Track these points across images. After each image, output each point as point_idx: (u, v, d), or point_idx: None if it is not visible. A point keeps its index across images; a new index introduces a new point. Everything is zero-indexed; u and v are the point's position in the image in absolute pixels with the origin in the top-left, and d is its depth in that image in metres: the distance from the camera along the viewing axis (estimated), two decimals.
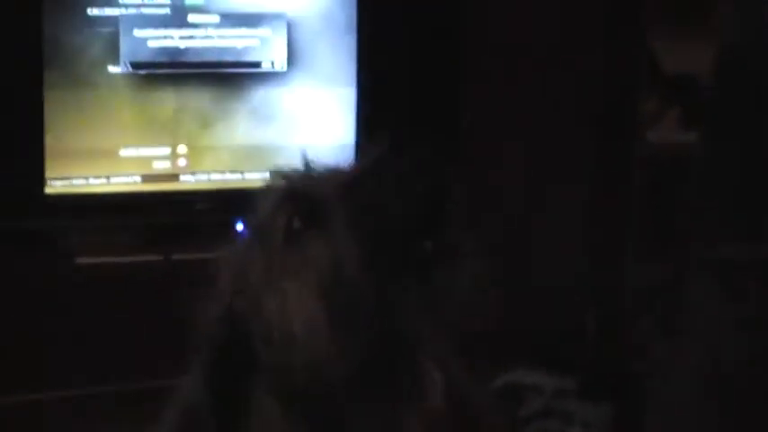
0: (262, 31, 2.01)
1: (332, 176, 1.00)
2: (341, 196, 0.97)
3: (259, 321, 1.01)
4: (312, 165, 1.04)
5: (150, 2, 1.98)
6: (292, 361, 1.00)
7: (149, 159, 2.01)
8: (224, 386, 1.04)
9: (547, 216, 2.09)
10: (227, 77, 2.01)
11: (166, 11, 1.98)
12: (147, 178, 2.00)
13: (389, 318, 0.96)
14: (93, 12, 1.94)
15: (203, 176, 2.01)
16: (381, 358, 0.99)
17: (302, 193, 1.02)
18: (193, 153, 2.01)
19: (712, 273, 1.54)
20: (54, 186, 1.97)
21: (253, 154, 2.01)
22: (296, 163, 1.07)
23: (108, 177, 1.99)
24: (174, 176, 2.02)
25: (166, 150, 2.00)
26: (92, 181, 1.99)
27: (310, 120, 2.06)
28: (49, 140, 1.95)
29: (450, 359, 1.06)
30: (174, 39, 1.98)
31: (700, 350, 1.55)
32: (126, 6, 1.96)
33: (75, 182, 1.98)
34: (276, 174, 1.04)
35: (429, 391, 1.02)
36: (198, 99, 2.01)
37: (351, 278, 0.95)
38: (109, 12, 1.94)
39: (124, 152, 1.99)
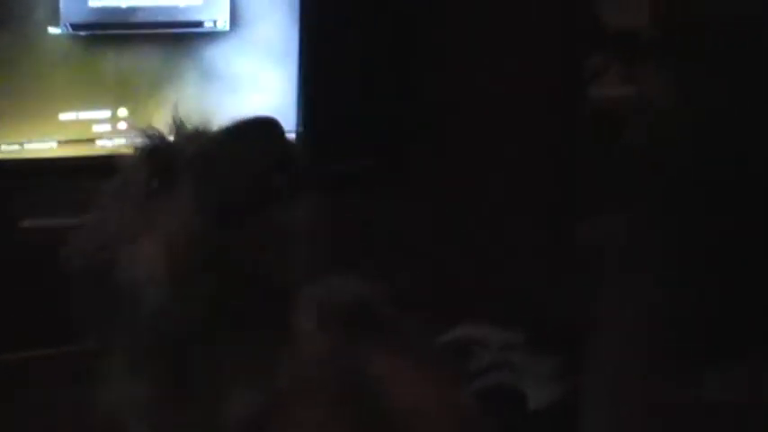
0: None
1: (192, 139, 1.11)
2: (193, 157, 1.07)
3: (115, 273, 1.10)
4: (180, 126, 1.15)
5: None
6: (143, 309, 1.08)
7: (89, 123, 2.00)
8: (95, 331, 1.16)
9: (494, 172, 2.12)
10: (170, 38, 1.99)
11: None
12: (88, 141, 2.00)
13: (235, 264, 1.05)
14: None
15: None
16: (240, 304, 1.07)
17: (161, 154, 1.12)
18: (135, 116, 2.00)
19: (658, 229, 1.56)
20: None
21: (197, 114, 2.02)
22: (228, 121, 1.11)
23: (47, 141, 1.99)
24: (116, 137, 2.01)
25: (107, 113, 1.99)
26: (31, 145, 1.98)
27: (252, 80, 2.06)
28: None
29: (329, 311, 1.17)
30: None
31: (641, 306, 1.58)
32: None
33: (11, 147, 1.97)
34: (142, 134, 1.16)
35: (298, 340, 1.12)
36: (140, 60, 1.99)
37: (193, 231, 1.05)
38: None
39: (63, 116, 1.98)
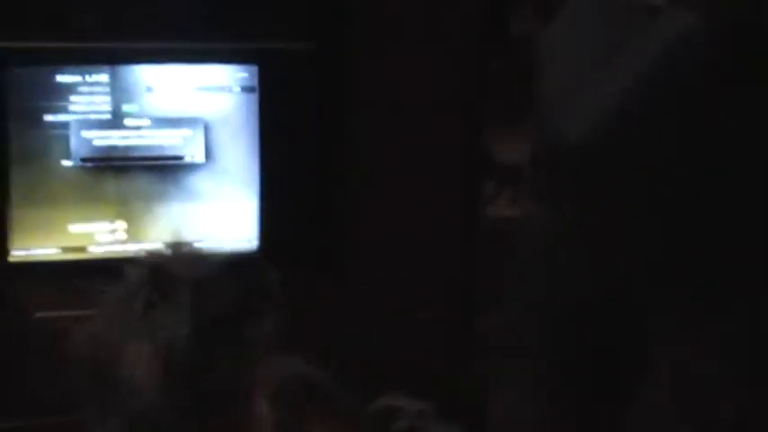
0: (184, 131, 2.48)
1: (190, 264, 1.33)
2: (191, 281, 1.27)
3: (114, 375, 1.27)
4: (177, 250, 1.40)
5: (94, 109, 2.45)
6: (134, 407, 1.26)
7: (93, 233, 2.50)
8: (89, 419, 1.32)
9: (409, 271, 2.64)
10: (158, 168, 2.49)
11: (107, 116, 2.44)
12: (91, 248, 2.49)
13: (213, 371, 1.25)
14: (48, 118, 2.41)
15: (139, 246, 2.50)
16: (212, 403, 1.27)
17: (164, 274, 1.30)
18: (130, 227, 2.50)
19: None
20: (15, 256, 2.45)
21: (179, 227, 2.51)
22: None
23: (59, 248, 2.48)
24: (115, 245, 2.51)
25: (108, 226, 2.50)
26: (45, 251, 2.47)
27: (223, 200, 2.57)
28: (12, 218, 2.43)
29: (284, 399, 1.40)
30: (114, 138, 2.46)
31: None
32: (75, 113, 2.44)
33: (32, 251, 2.47)
34: (148, 253, 1.38)
35: (255, 421, 1.33)
36: (135, 185, 2.48)
37: (183, 343, 1.23)
38: (61, 118, 2.42)
39: (72, 228, 2.48)
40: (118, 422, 1.33)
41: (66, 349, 1.38)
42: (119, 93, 2.44)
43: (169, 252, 1.42)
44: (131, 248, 2.45)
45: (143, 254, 1.43)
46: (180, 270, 1.34)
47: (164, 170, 2.51)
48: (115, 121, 2.45)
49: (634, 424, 1.76)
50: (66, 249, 2.46)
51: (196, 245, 1.50)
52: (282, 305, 1.31)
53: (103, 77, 2.43)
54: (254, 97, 2.53)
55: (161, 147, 2.50)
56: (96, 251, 2.49)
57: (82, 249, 2.48)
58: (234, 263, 1.38)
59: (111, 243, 2.48)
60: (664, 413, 1.73)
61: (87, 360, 1.36)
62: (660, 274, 1.68)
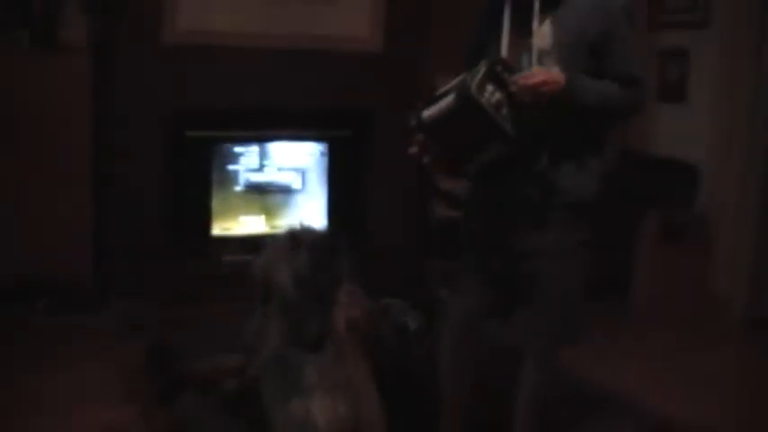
0: (292, 173, 5.01)
1: (307, 234, 2.74)
2: (308, 241, 2.71)
3: (272, 280, 2.72)
4: (302, 228, 2.79)
5: (251, 163, 5.05)
6: (284, 295, 2.70)
7: (249, 222, 5.05)
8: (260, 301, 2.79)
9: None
10: (280, 191, 5.02)
11: (257, 166, 5.02)
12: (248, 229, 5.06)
13: (320, 280, 2.66)
14: (230, 167, 5.00)
15: (272, 228, 5.05)
16: (319, 293, 2.67)
17: (295, 236, 2.75)
18: (267, 219, 5.06)
19: None
20: (214, 234, 4.96)
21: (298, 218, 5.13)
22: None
23: (234, 228, 5.03)
24: (259, 228, 5.07)
25: (256, 218, 5.09)
26: (227, 231, 4.99)
27: (310, 207, 5.12)
28: (212, 214, 4.97)
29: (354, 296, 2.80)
30: (259, 177, 5.03)
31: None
32: (242, 164, 5.02)
33: (222, 232, 5.00)
34: (288, 228, 2.82)
35: (345, 304, 2.77)
36: (269, 199, 5.01)
37: (305, 268, 2.67)
38: (236, 167, 4.98)
39: (241, 218, 5.02)
40: (274, 307, 2.70)
41: (249, 268, 2.79)
42: (262, 156, 5.03)
43: (298, 227, 2.77)
44: (267, 230, 5.05)
45: (284, 229, 2.82)
46: (303, 235, 2.72)
47: (282, 193, 5.09)
48: (261, 169, 5.01)
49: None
50: (235, 229, 5.02)
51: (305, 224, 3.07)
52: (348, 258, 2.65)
53: (255, 148, 5.01)
54: (326, 158, 5.14)
55: (281, 181, 5.08)
56: (250, 231, 5.02)
57: (243, 229, 5.03)
58: (327, 234, 2.72)
59: (258, 225, 5.05)
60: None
61: (260, 274, 2.77)
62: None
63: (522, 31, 2.71)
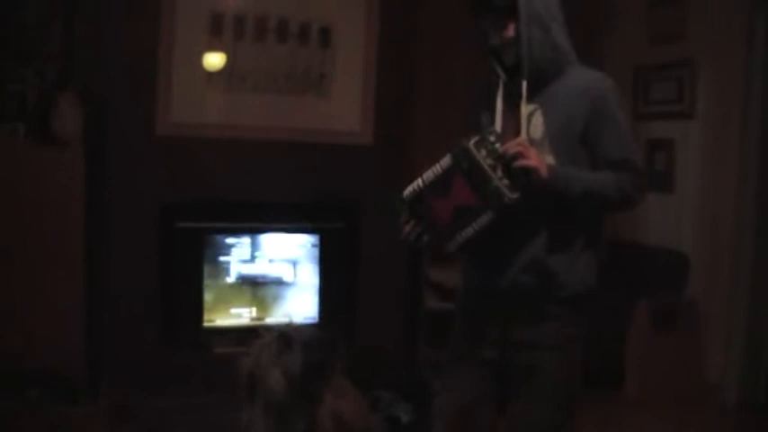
0: (284, 265, 5.02)
1: (300, 333, 2.37)
2: (301, 340, 2.35)
3: (261, 381, 2.36)
4: (294, 327, 2.44)
5: (243, 255, 5.05)
6: (272, 395, 2.35)
7: (240, 313, 5.01)
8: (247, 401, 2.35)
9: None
10: (271, 284, 5.02)
11: (248, 257, 5.03)
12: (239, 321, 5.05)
13: (311, 383, 2.30)
14: (221, 258, 5.02)
15: (263, 321, 5.00)
16: (308, 391, 2.31)
17: (286, 336, 2.37)
18: (258, 311, 5.04)
19: None
20: (205, 325, 4.92)
21: (288, 314, 5.13)
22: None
23: (224, 321, 5.00)
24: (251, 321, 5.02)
25: (248, 309, 5.04)
26: (219, 322, 4.98)
27: (300, 299, 5.12)
28: (204, 306, 4.96)
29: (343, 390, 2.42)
30: (251, 268, 5.06)
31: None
32: (234, 256, 5.07)
33: (214, 323, 4.98)
34: (279, 327, 2.40)
35: (332, 399, 2.39)
36: (261, 291, 5.03)
37: (296, 370, 2.32)
38: (227, 258, 5.03)
39: (232, 310, 4.99)
40: (261, 406, 2.40)
41: (236, 367, 2.47)
42: (254, 247, 5.02)
43: (288, 325, 2.62)
44: (259, 322, 5.01)
45: (273, 325, 2.82)
46: (295, 334, 2.44)
47: (274, 285, 5.07)
48: (252, 260, 5.01)
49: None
50: (227, 320, 5.00)
51: (295, 320, 3.49)
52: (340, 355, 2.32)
53: (247, 240, 5.01)
54: (317, 249, 5.13)
55: (272, 273, 5.06)
56: (241, 322, 5.00)
57: (235, 320, 5.01)
58: (320, 334, 2.42)
59: (250, 319, 5.03)
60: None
61: (247, 372, 2.47)
62: None
63: (514, 117, 2.72)
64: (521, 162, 2.56)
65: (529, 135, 2.68)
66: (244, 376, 2.56)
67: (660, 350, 4.97)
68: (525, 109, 2.69)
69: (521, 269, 2.74)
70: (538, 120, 2.70)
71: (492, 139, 2.58)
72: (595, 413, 4.22)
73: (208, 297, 4.94)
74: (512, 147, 2.57)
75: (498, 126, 2.72)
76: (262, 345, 2.59)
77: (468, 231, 2.61)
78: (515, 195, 2.55)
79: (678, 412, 4.75)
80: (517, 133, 2.67)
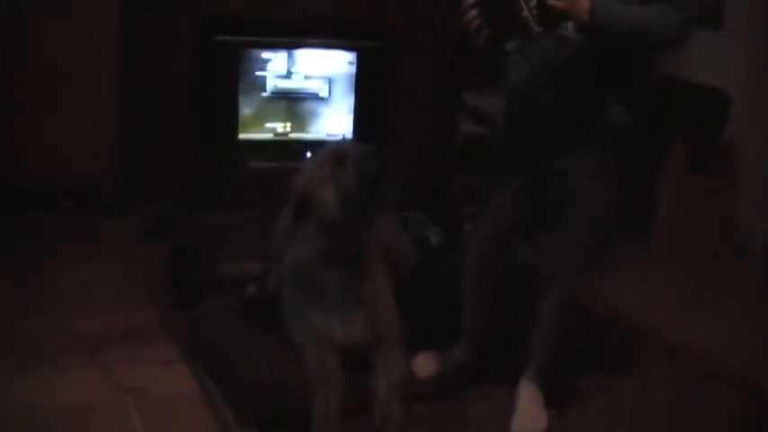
0: (319, 81, 4.98)
1: (352, 149, 2.80)
2: (354, 158, 2.73)
3: (313, 195, 2.80)
4: (346, 143, 3.52)
5: (278, 70, 5.02)
6: (326, 213, 2.79)
7: (275, 127, 5.01)
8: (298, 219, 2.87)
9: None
10: (307, 98, 5.00)
11: (284, 72, 4.94)
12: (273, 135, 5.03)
13: (364, 201, 2.75)
14: (258, 73, 4.93)
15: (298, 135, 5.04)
16: (361, 214, 2.78)
17: (340, 152, 2.78)
18: (292, 125, 5.02)
19: None
20: (241, 137, 4.93)
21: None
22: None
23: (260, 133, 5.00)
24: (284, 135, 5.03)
25: (281, 124, 5.01)
26: (254, 135, 4.97)
27: (335, 116, 5.12)
28: (239, 119, 4.94)
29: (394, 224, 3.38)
30: (286, 83, 4.97)
31: None
32: (270, 71, 4.97)
33: (249, 135, 4.97)
34: (331, 144, 3.08)
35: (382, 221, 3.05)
36: (295, 106, 5.00)
37: (350, 188, 2.72)
38: (263, 73, 4.92)
39: (267, 124, 4.98)
40: (312, 224, 2.79)
41: (288, 183, 2.83)
42: (290, 62, 4.99)
43: (342, 143, 3.23)
44: (293, 137, 5.06)
45: (326, 141, 3.69)
46: (349, 152, 2.75)
47: (309, 101, 5.06)
48: (288, 76, 4.98)
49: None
50: (261, 134, 5.02)
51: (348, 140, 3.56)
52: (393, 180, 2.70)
53: (283, 55, 4.96)
54: (354, 67, 5.09)
55: (308, 88, 5.05)
56: (276, 137, 5.03)
57: (270, 135, 5.04)
58: (373, 152, 2.70)
59: (283, 133, 5.05)
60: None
61: (300, 187, 2.81)
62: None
63: None
64: (551, 1, 2.55)
65: None
66: (296, 192, 2.75)
67: (693, 193, 4.94)
68: None
69: (563, 99, 2.75)
70: None
71: None
72: (622, 249, 4.20)
73: (243, 111, 4.92)
74: None
75: None
76: (315, 160, 2.77)
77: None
78: (539, 30, 2.58)
79: (705, 255, 4.77)
80: None
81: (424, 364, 3.22)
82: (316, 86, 5.03)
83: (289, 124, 5.04)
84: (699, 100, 5.15)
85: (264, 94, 4.94)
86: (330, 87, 5.06)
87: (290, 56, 4.97)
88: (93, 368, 3.13)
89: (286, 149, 4.99)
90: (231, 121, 4.90)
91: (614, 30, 2.60)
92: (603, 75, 2.71)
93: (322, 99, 5.07)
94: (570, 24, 2.61)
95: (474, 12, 2.60)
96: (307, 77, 5.00)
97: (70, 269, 3.95)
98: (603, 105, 2.73)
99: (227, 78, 4.82)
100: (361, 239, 2.88)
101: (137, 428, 2.81)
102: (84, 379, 3.05)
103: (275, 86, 4.94)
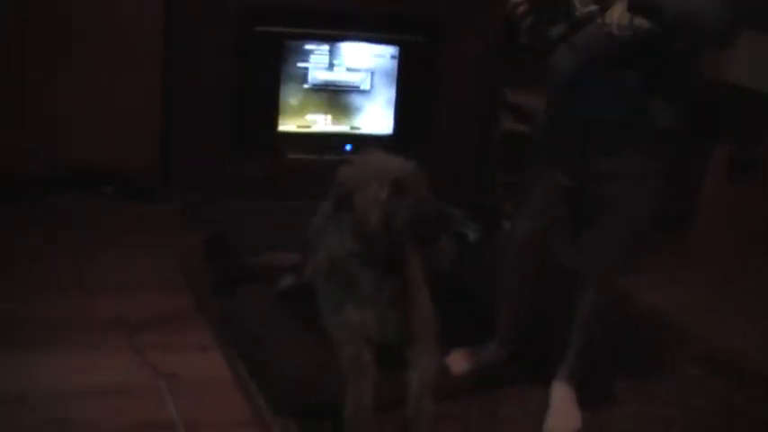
0: (362, 74, 4.97)
1: (412, 180, 2.79)
2: (414, 202, 2.76)
3: (354, 198, 2.82)
4: (407, 163, 2.84)
5: (320, 62, 5.01)
6: (363, 224, 2.83)
7: (316, 120, 5.00)
8: (336, 212, 2.94)
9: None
10: (349, 91, 5.00)
11: (326, 65, 4.95)
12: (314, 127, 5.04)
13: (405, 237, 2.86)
14: (299, 64, 4.90)
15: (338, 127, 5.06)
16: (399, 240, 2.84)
17: (400, 182, 2.78)
18: (332, 117, 5.06)
19: None
20: (280, 129, 4.93)
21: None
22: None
23: (300, 126, 5.03)
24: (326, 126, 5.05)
25: (323, 116, 5.03)
26: (293, 127, 4.98)
27: (376, 110, 5.12)
28: (279, 110, 4.93)
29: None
30: (328, 76, 4.99)
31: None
32: (311, 62, 4.97)
33: (288, 127, 4.99)
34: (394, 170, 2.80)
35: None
36: (337, 98, 5.00)
37: (400, 222, 2.76)
38: (305, 65, 4.94)
39: (308, 116, 5.03)
40: (349, 226, 2.86)
41: (335, 175, 2.86)
42: (332, 55, 4.98)
43: (401, 173, 2.79)
44: (333, 128, 5.07)
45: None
46: (409, 183, 2.77)
47: (350, 93, 5.06)
48: (330, 68, 4.97)
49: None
50: (301, 126, 5.02)
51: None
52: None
53: (325, 47, 4.96)
54: (396, 61, 5.09)
55: (350, 81, 5.04)
56: (316, 129, 5.03)
57: (310, 127, 5.04)
58: (436, 204, 2.84)
59: (324, 124, 5.05)
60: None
61: (345, 186, 2.83)
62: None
63: None
64: None
65: None
66: (340, 188, 2.77)
67: (733, 198, 4.89)
68: None
69: (610, 97, 2.71)
70: None
71: None
72: (660, 251, 4.21)
73: (283, 102, 4.92)
74: None
75: None
76: (366, 168, 2.78)
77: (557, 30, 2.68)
78: (585, 11, 2.58)
79: (743, 259, 4.73)
80: None
81: (459, 361, 3.21)
82: (358, 79, 5.03)
83: (329, 116, 5.03)
84: (742, 103, 5.07)
85: (306, 86, 4.94)
86: (372, 80, 5.05)
87: (332, 48, 4.97)
88: (128, 351, 3.17)
89: (326, 142, 5.02)
90: (272, 112, 4.91)
91: (662, 11, 2.51)
92: (652, 72, 2.67)
93: (363, 92, 5.06)
94: (615, 22, 2.55)
95: None
96: (349, 70, 4.99)
97: (110, 253, 3.99)
98: (652, 105, 2.70)
99: (269, 69, 4.83)
100: (398, 252, 2.90)
101: (171, 412, 2.84)
102: (120, 361, 3.09)
103: (317, 78, 4.94)
